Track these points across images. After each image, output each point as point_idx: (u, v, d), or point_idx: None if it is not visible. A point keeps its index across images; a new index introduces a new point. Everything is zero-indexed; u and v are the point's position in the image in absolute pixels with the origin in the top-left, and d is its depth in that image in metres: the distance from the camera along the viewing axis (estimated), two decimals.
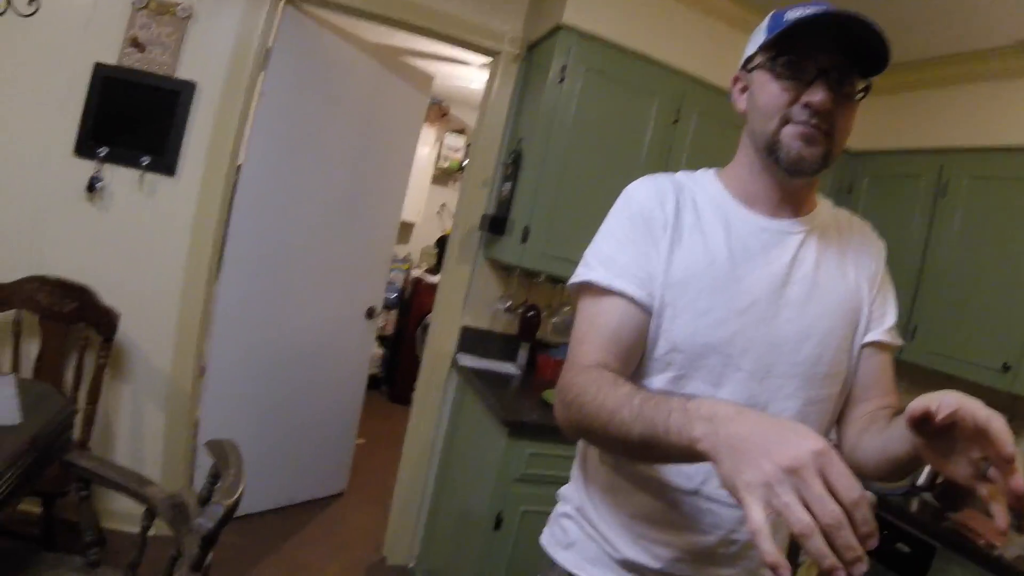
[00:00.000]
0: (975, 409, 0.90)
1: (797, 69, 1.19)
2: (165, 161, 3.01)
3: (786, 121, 1.19)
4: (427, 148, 6.79)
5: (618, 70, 3.19)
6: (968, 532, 2.56)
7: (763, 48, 1.23)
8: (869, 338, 1.34)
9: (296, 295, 3.67)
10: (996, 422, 0.88)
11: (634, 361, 1.26)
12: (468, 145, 6.81)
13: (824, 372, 1.27)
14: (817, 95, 1.15)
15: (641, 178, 1.35)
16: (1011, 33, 2.98)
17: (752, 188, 1.31)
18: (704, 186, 1.34)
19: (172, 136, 3.01)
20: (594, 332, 1.24)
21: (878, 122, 3.72)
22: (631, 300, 1.22)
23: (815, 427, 1.26)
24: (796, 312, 1.25)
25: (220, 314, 3.33)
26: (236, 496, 1.45)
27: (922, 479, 3.09)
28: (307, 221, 3.62)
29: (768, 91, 1.22)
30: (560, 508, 1.45)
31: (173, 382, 3.15)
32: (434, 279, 6.16)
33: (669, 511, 1.24)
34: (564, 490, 1.47)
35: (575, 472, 1.44)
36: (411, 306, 6.58)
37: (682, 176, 1.37)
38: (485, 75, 3.76)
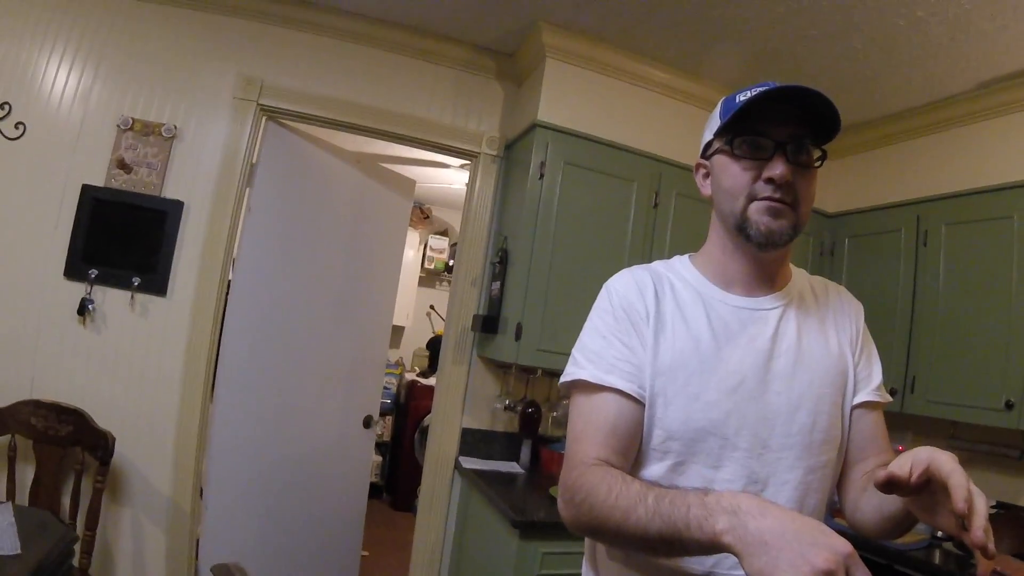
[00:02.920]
0: (941, 464, 0.94)
1: (755, 147, 1.25)
2: (156, 281, 3.05)
3: (752, 199, 1.26)
4: (412, 251, 6.89)
5: (595, 160, 3.29)
6: (996, 575, 2.53)
7: (719, 133, 1.30)
8: (858, 400, 1.37)
9: (292, 408, 3.66)
10: (955, 477, 0.91)
11: (632, 453, 1.28)
12: (453, 246, 6.90)
13: (820, 439, 1.29)
14: (777, 169, 1.21)
15: (619, 272, 1.41)
16: (970, 77, 3.12)
17: (727, 269, 1.37)
18: (680, 273, 1.40)
19: (162, 256, 3.05)
20: (591, 429, 1.27)
21: (852, 182, 3.85)
22: (623, 394, 1.26)
23: (818, 494, 1.31)
24: (785, 384, 1.28)
25: (217, 432, 3.31)
26: None
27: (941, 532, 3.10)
28: (299, 333, 3.64)
29: (730, 173, 1.29)
30: None
31: (173, 503, 3.11)
32: (428, 381, 6.17)
33: None
34: None
35: (585, 568, 1.44)
36: (407, 410, 6.54)
37: (658, 265, 1.43)
38: (465, 176, 3.87)
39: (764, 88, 1.21)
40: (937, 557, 2.90)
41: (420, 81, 3.54)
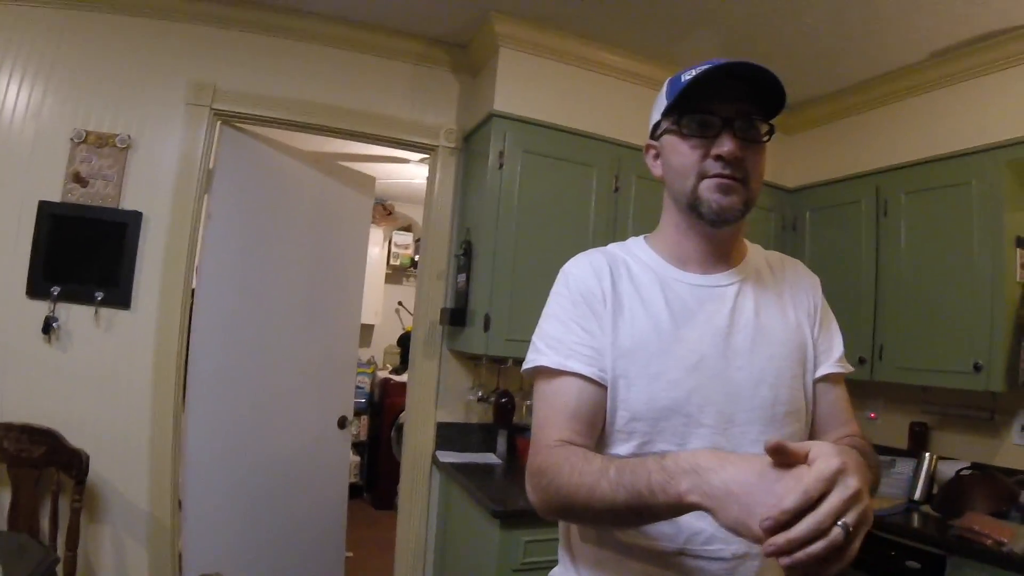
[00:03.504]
0: (819, 460, 0.89)
1: (702, 125, 1.27)
2: (119, 294, 3.03)
3: (702, 177, 1.27)
4: (377, 248, 6.88)
5: (554, 148, 3.33)
6: (974, 535, 2.60)
7: (666, 113, 1.32)
8: (820, 372, 1.40)
9: (265, 413, 3.65)
10: (810, 474, 0.88)
11: (595, 435, 1.29)
12: (417, 241, 6.91)
13: (783, 411, 1.31)
14: (725, 146, 1.23)
15: (575, 257, 1.43)
16: (923, 47, 3.19)
17: (681, 248, 1.39)
18: (636, 254, 1.42)
19: (124, 268, 3.03)
20: (553, 413, 1.29)
21: (811, 156, 3.91)
22: (583, 378, 1.27)
23: None
24: (745, 359, 1.30)
25: (191, 442, 3.30)
26: None
27: (918, 493, 3.18)
28: (268, 337, 3.64)
29: (679, 152, 1.30)
30: None
31: (152, 517, 3.10)
32: (401, 378, 6.17)
33: (659, 575, 1.26)
34: (554, 572, 1.46)
35: (561, 553, 1.45)
36: (382, 408, 6.56)
37: (614, 248, 1.46)
38: (425, 170, 3.86)
39: (708, 66, 1.22)
40: (916, 520, 2.97)
41: (374, 77, 3.55)
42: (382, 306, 7.06)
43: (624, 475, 1.06)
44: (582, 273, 1.37)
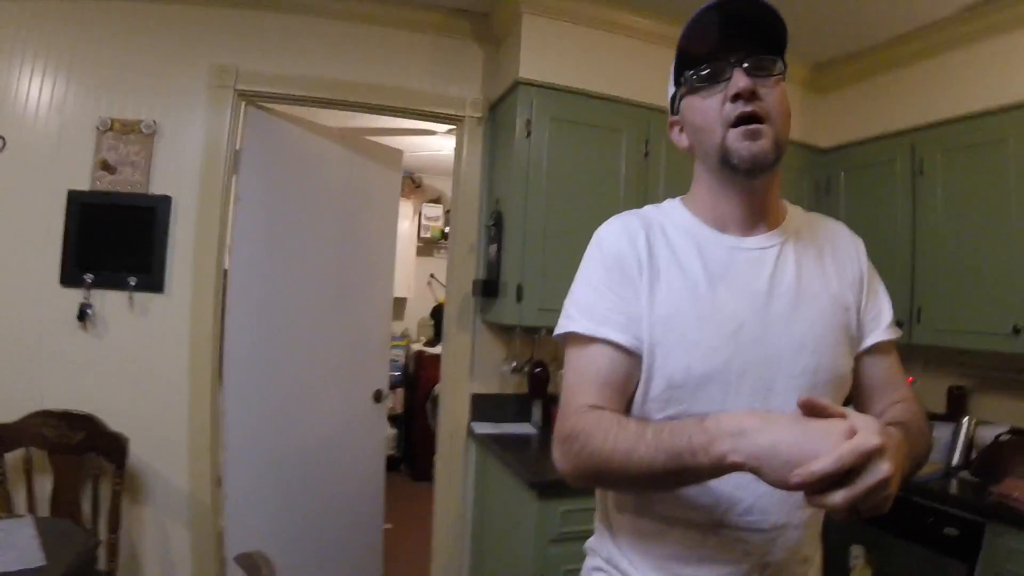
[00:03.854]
0: (863, 429, 0.93)
1: (713, 74, 1.24)
2: (152, 279, 3.07)
3: (727, 125, 1.22)
4: (407, 222, 6.92)
5: (582, 114, 3.29)
6: (1013, 502, 2.58)
7: (678, 79, 1.31)
8: (870, 342, 1.37)
9: (302, 389, 3.69)
10: (847, 445, 0.91)
11: (625, 403, 1.27)
12: (447, 213, 6.92)
13: (825, 379, 1.27)
14: (740, 83, 1.19)
15: (609, 220, 1.38)
16: (955, 1, 3.10)
17: (719, 210, 1.33)
18: (672, 216, 1.37)
19: (155, 253, 3.07)
20: (585, 381, 1.26)
21: (844, 116, 3.84)
22: (616, 346, 1.24)
23: None
24: (785, 326, 1.26)
25: (229, 421, 3.35)
26: None
27: (956, 458, 3.14)
28: (302, 314, 3.66)
29: (699, 109, 1.27)
30: (590, 562, 1.46)
31: (192, 497, 3.17)
32: (435, 350, 6.20)
33: (698, 547, 1.25)
34: (591, 543, 1.48)
35: (598, 523, 1.45)
36: (417, 381, 6.61)
37: (649, 210, 1.41)
38: (452, 141, 3.85)
39: (699, 11, 1.21)
40: (954, 486, 2.94)
41: (396, 50, 3.52)
42: (414, 279, 7.11)
43: (662, 437, 1.06)
44: (616, 237, 1.33)
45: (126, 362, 3.07)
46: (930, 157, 3.30)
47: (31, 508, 2.81)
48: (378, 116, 3.73)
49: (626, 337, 1.24)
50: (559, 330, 1.33)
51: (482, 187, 3.64)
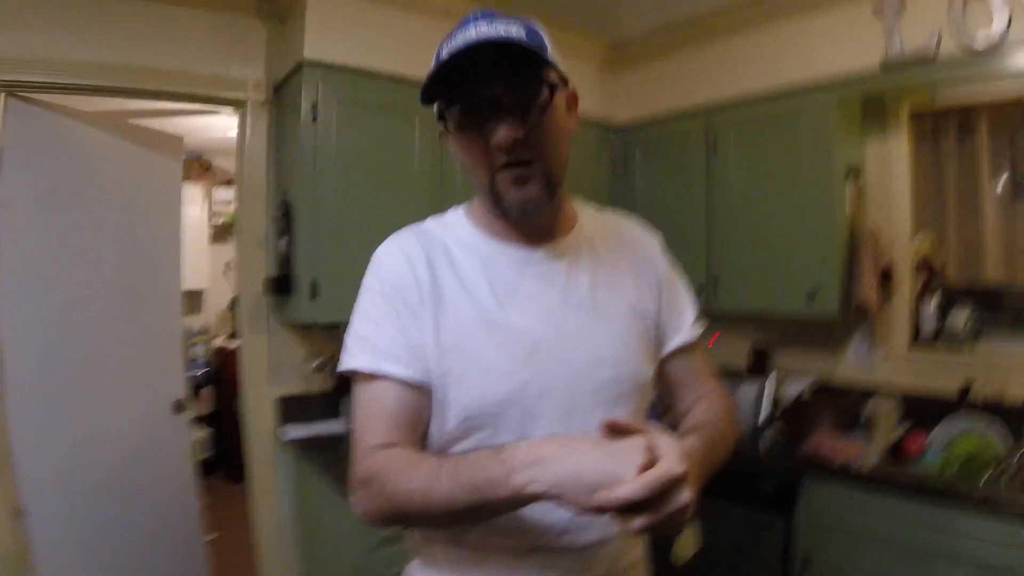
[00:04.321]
0: (667, 456, 0.95)
1: (470, 116, 1.17)
2: None
3: (493, 170, 1.18)
4: (196, 207, 6.58)
5: (373, 96, 3.20)
6: (824, 456, 2.78)
7: (434, 97, 1.22)
8: (673, 345, 1.40)
9: (96, 407, 3.45)
10: (651, 472, 0.93)
11: (419, 437, 1.24)
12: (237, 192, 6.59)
13: (628, 389, 1.28)
14: (499, 134, 1.13)
15: (386, 241, 1.33)
16: None
17: (498, 225, 1.30)
18: (456, 232, 1.33)
19: None
20: (373, 418, 1.22)
21: (640, 93, 3.93)
22: (400, 381, 1.20)
23: None
24: (583, 340, 1.25)
25: (21, 450, 3.04)
26: None
27: (763, 415, 3.30)
28: (87, 323, 3.41)
29: (460, 147, 1.22)
30: None
31: None
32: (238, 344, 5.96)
33: (517, 571, 1.24)
34: (410, 570, 1.41)
35: (415, 552, 1.39)
36: (223, 377, 6.36)
37: (431, 224, 1.36)
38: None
39: (451, 49, 1.13)
40: (766, 443, 3.14)
41: (172, 29, 3.24)
42: (209, 269, 6.76)
43: (459, 473, 1.04)
44: (394, 263, 1.27)
45: None
46: (724, 134, 3.46)
47: None
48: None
49: (409, 372, 1.20)
50: (341, 366, 1.27)
51: (269, 175, 3.48)
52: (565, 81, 1.23)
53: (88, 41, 3.07)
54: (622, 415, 1.19)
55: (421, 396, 1.22)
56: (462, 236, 1.31)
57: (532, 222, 1.26)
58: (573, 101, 1.28)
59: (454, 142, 1.24)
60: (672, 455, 0.94)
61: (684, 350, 1.42)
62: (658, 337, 1.39)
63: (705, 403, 1.40)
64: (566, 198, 1.35)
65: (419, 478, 1.08)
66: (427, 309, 1.23)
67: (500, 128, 1.12)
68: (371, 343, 1.23)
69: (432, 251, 1.28)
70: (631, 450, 0.96)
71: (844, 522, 2.68)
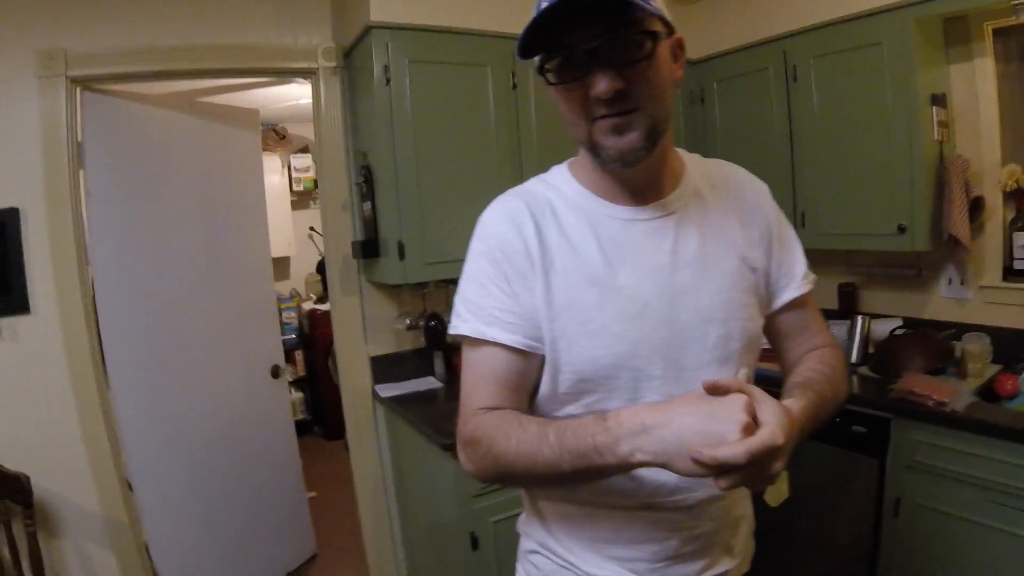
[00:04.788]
0: (770, 424, 0.95)
1: (569, 68, 1.12)
2: (14, 301, 2.90)
3: (591, 119, 1.14)
4: (277, 176, 6.72)
5: (442, 52, 3.20)
6: (915, 396, 2.70)
7: (536, 50, 1.16)
8: (784, 299, 1.37)
9: (195, 377, 3.63)
10: (757, 436, 0.94)
11: (526, 399, 1.27)
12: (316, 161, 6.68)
13: (737, 348, 1.26)
14: (599, 86, 1.08)
15: (493, 203, 1.32)
16: None
17: (604, 182, 1.27)
18: (560, 189, 1.30)
19: (12, 271, 2.89)
20: (481, 382, 1.24)
21: (713, 25, 3.85)
22: (508, 347, 1.22)
23: None
24: (692, 299, 1.23)
25: (127, 428, 3.26)
26: None
27: (855, 355, 3.25)
28: (180, 300, 3.57)
29: (562, 100, 1.17)
30: (524, 544, 1.47)
31: (108, 518, 3.08)
32: (327, 307, 6.11)
33: (627, 528, 1.27)
34: (522, 524, 1.48)
35: (526, 507, 1.46)
36: (314, 340, 6.55)
37: (536, 185, 1.34)
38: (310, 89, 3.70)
39: (548, 3, 1.05)
40: (856, 385, 3.06)
41: (235, 6, 3.31)
42: (294, 235, 6.92)
43: (566, 438, 1.06)
44: (500, 226, 1.27)
45: (6, 394, 2.91)
46: (803, 63, 3.35)
47: None
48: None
49: (516, 338, 1.22)
50: (452, 330, 1.29)
51: (346, 141, 3.54)
52: (671, 29, 1.15)
53: (154, 28, 3.15)
54: (732, 372, 1.24)
55: (529, 360, 1.23)
56: (568, 194, 1.29)
57: (632, 174, 1.22)
58: (679, 49, 1.21)
59: (554, 94, 1.18)
60: (775, 423, 0.94)
61: (795, 303, 1.38)
62: (768, 290, 1.37)
63: (815, 360, 1.36)
64: (671, 150, 1.31)
65: (526, 441, 1.11)
66: (536, 272, 1.22)
67: (599, 80, 1.07)
68: (479, 307, 1.24)
69: (539, 212, 1.27)
70: (734, 409, 0.96)
71: (935, 464, 2.63)
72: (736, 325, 1.26)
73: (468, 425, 1.21)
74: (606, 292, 1.21)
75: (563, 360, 1.22)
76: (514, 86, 3.31)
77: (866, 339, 3.31)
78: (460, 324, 1.27)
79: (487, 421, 1.18)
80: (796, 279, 1.38)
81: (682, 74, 1.21)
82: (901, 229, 3.02)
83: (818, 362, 1.34)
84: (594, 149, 1.17)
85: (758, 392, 1.01)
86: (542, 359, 1.25)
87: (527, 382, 1.25)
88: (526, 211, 1.27)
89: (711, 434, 0.94)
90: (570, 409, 1.25)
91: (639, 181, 1.25)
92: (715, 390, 1.00)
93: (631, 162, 1.15)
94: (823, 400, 1.21)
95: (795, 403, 1.10)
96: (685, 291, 1.23)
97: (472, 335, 1.24)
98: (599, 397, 1.22)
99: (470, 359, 1.27)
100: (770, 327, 1.41)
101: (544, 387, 1.26)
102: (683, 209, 1.28)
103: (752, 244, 1.33)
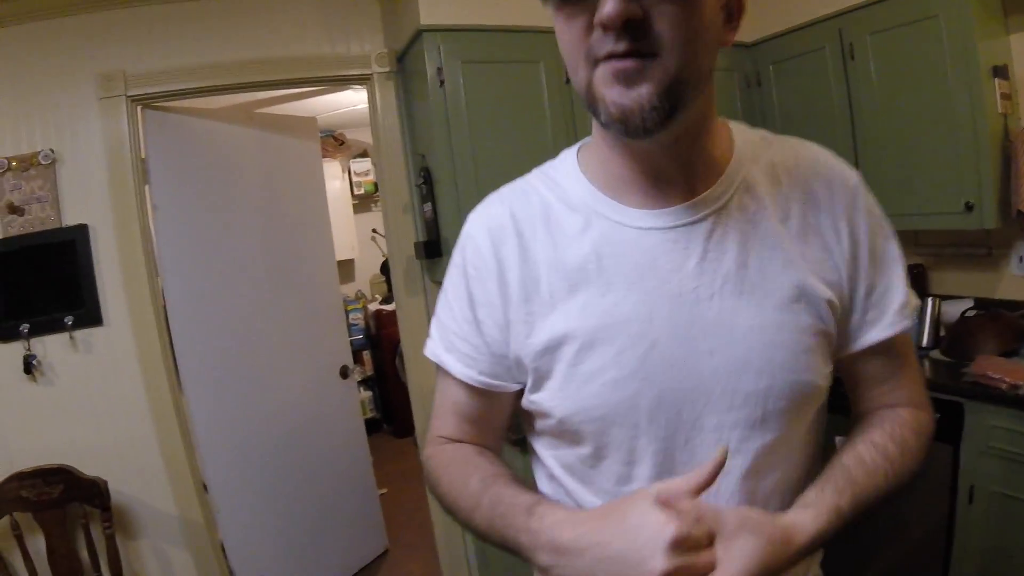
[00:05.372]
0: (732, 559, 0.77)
1: None
2: (88, 313, 3.02)
3: (594, 60, 0.83)
4: (337, 181, 6.83)
5: (494, 51, 3.22)
6: (989, 380, 2.62)
7: None
8: (871, 339, 1.01)
9: (265, 380, 3.73)
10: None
11: (493, 432, 1.14)
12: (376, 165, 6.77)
13: (783, 406, 0.94)
14: (605, 7, 0.77)
15: (480, 204, 1.12)
16: None
17: (617, 170, 0.98)
18: (563, 187, 1.04)
19: (85, 285, 3.01)
20: (442, 408, 1.14)
21: (766, 6, 3.76)
22: (462, 382, 1.08)
23: (779, 471, 1.00)
24: (720, 340, 0.93)
25: (200, 431, 3.37)
26: None
27: (926, 339, 3.19)
28: (247, 306, 3.66)
29: (561, 30, 0.87)
30: None
31: (184, 519, 3.20)
32: (392, 307, 6.20)
33: None
34: None
35: None
36: (380, 339, 6.64)
37: (535, 179, 1.09)
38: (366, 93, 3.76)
39: None
40: (928, 369, 3.01)
41: (286, 16, 3.38)
42: (356, 239, 7.03)
43: (495, 519, 0.94)
44: (476, 239, 1.06)
45: (84, 402, 3.04)
46: (859, 40, 3.27)
47: (31, 570, 2.82)
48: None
49: (471, 373, 1.06)
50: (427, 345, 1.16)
51: (404, 143, 3.58)
52: None
53: (210, 45, 3.24)
54: (770, 440, 0.96)
55: (491, 398, 1.08)
56: (569, 191, 1.02)
57: (650, 155, 0.94)
58: (737, 7, 0.90)
59: (556, 24, 0.88)
60: (739, 571, 0.76)
61: (882, 346, 1.02)
62: (845, 327, 1.01)
63: (886, 431, 1.02)
64: (713, 128, 0.98)
65: (464, 499, 1.00)
66: (512, 302, 1.01)
67: (609, 2, 0.76)
68: (444, 328, 1.10)
69: (526, 224, 1.02)
70: (658, 527, 0.76)
71: (1011, 449, 2.55)
72: (783, 379, 0.93)
73: (425, 450, 1.14)
74: (605, 326, 0.94)
75: (546, 406, 1.00)
76: (567, 80, 3.28)
77: (937, 322, 3.23)
78: (428, 342, 1.14)
79: (439, 457, 1.10)
80: (888, 313, 1.01)
81: (733, 39, 0.90)
82: (968, 207, 2.93)
83: (887, 435, 1.01)
84: (593, 105, 0.86)
85: (732, 514, 0.80)
86: (519, 392, 1.07)
87: (492, 417, 1.12)
88: (510, 224, 1.03)
89: (630, 563, 0.76)
90: (566, 454, 1.04)
91: (661, 167, 0.95)
92: (701, 482, 0.80)
93: (637, 127, 0.82)
94: (870, 495, 0.93)
95: (815, 516, 0.87)
96: (711, 328, 0.93)
97: (432, 359, 1.12)
98: (588, 452, 1.00)
99: (438, 380, 1.15)
100: (841, 369, 1.06)
101: (531, 421, 1.10)
102: (722, 212, 0.95)
103: (821, 259, 0.98)
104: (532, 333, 0.99)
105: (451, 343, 1.07)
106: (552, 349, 0.97)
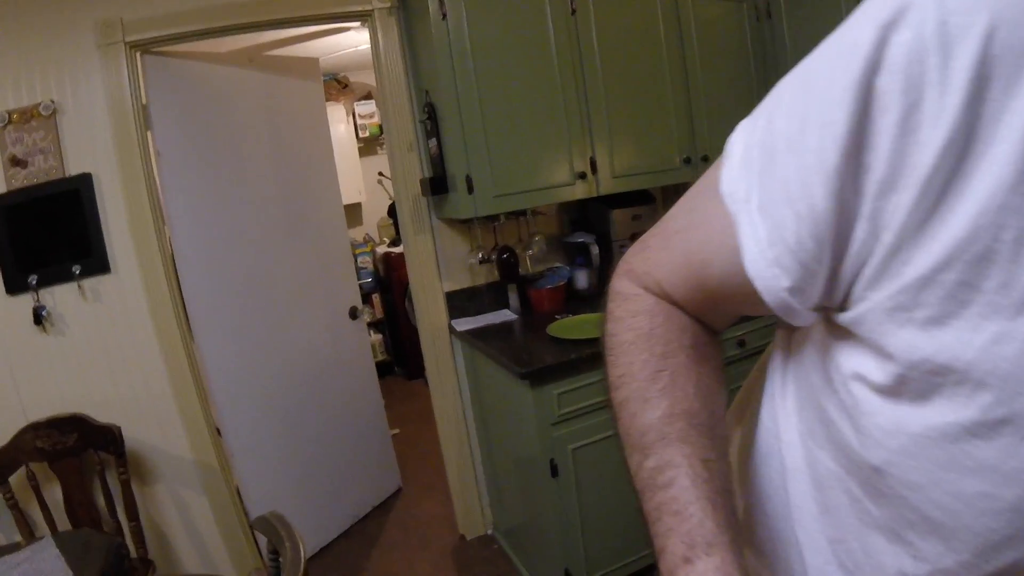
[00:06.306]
0: None
1: None
2: (96, 261, 3.01)
3: None
4: (342, 125, 6.76)
5: None
6: None
7: None
8: None
9: (276, 323, 3.73)
10: None
11: (723, 317, 0.82)
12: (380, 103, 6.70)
13: None
14: None
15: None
16: None
17: None
18: None
19: (92, 233, 3.00)
20: (683, 257, 0.76)
21: None
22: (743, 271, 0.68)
23: None
24: None
25: (212, 375, 3.39)
26: (302, 568, 1.50)
27: None
28: (256, 249, 3.65)
29: None
30: None
31: (199, 463, 3.23)
32: (400, 250, 6.19)
33: None
34: None
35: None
36: (390, 282, 6.65)
37: None
38: (367, 34, 3.70)
39: None
40: None
41: None
42: (363, 182, 7.00)
43: (650, 498, 0.69)
44: (907, 52, 0.53)
45: (95, 350, 3.06)
46: None
47: (48, 520, 2.85)
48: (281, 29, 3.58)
49: (777, 286, 0.66)
50: (722, 158, 0.73)
51: (408, 81, 3.51)
52: None
53: None
54: None
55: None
56: None
57: None
58: None
59: None
60: None
61: None
62: None
63: None
64: None
65: (635, 429, 0.74)
66: (933, 177, 0.53)
67: None
68: (771, 180, 0.64)
69: (957, 44, 0.51)
70: None
71: None
72: None
73: (622, 280, 0.84)
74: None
75: (883, 342, 0.59)
76: (573, 11, 3.21)
77: None
78: (727, 171, 0.70)
79: (636, 326, 0.79)
80: None
81: None
82: None
83: None
84: None
85: None
86: None
87: (740, 306, 0.75)
88: (935, 42, 0.52)
89: None
90: (945, 412, 0.57)
91: None
92: None
93: None
94: None
95: None
96: None
97: (726, 203, 0.69)
98: (999, 417, 0.54)
99: (699, 212, 0.75)
100: None
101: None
102: None
103: None
104: (941, 227, 0.53)
105: (767, 210, 0.65)
106: (966, 257, 0.52)
